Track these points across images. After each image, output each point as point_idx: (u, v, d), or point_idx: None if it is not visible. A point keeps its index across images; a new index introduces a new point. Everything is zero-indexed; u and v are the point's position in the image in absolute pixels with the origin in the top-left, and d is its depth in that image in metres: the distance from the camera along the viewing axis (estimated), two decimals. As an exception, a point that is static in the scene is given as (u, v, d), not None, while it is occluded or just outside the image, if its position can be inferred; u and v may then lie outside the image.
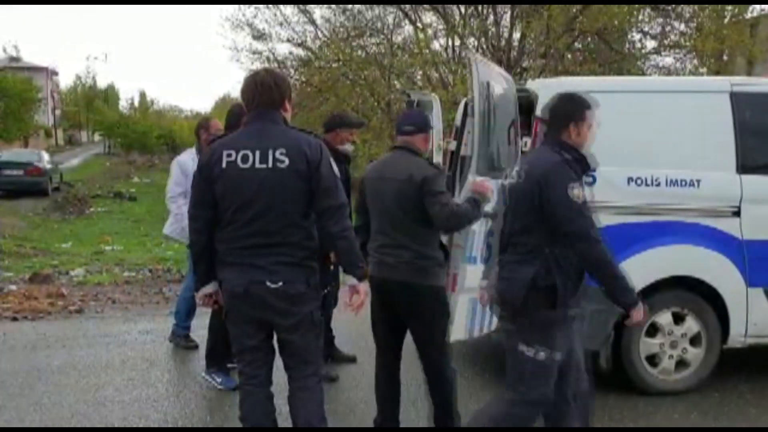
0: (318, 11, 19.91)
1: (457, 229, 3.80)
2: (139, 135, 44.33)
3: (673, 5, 17.85)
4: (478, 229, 3.97)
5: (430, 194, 3.51)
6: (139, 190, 26.76)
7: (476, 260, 4.09)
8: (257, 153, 3.03)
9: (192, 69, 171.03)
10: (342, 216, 3.12)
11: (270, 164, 3.02)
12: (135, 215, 20.38)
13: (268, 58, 20.44)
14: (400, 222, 3.64)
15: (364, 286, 3.19)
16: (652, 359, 4.67)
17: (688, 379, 4.70)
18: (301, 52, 20.80)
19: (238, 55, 21.25)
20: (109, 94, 62.46)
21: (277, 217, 3.05)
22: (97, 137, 59.92)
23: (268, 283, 3.04)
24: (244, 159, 3.04)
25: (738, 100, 4.67)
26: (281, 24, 20.17)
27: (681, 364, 4.70)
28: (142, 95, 59.43)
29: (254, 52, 20.67)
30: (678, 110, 4.66)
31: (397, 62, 19.06)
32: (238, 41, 28.28)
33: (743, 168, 4.63)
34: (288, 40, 20.48)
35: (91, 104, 55.76)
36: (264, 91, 3.12)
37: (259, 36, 20.44)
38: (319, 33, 20.39)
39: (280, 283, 3.05)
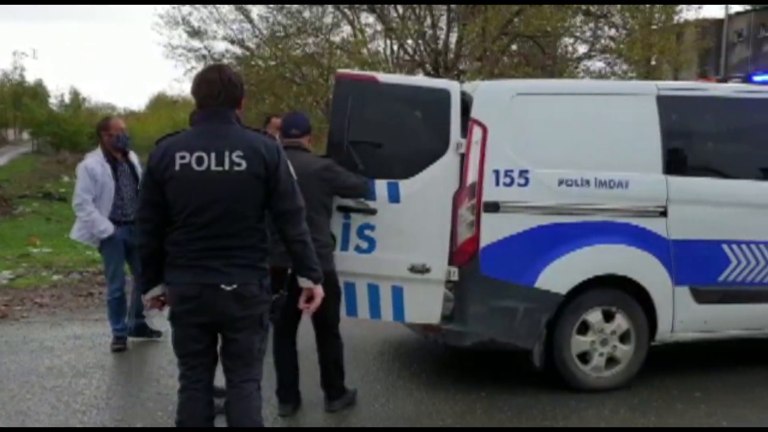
0: (255, 9, 19.67)
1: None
2: (70, 133, 42.91)
3: (605, 11, 18.36)
4: (352, 222, 4.56)
5: (340, 173, 4.24)
6: (70, 190, 25.78)
7: (347, 248, 4.60)
8: (212, 155, 2.96)
9: (126, 67, 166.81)
10: (299, 220, 3.12)
11: (226, 167, 2.96)
12: (65, 216, 19.68)
13: (204, 56, 20.08)
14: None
15: (320, 289, 3.24)
16: (584, 357, 4.76)
17: (618, 375, 4.82)
18: (238, 50, 20.51)
19: (173, 53, 20.73)
20: (38, 91, 60.19)
21: (233, 221, 3.00)
22: (25, 135, 57.70)
23: (223, 286, 2.99)
24: (199, 161, 2.96)
25: (664, 104, 4.81)
26: (218, 21, 19.86)
27: (611, 361, 4.81)
28: (74, 93, 57.54)
29: (190, 50, 20.28)
30: (607, 113, 4.78)
31: (336, 62, 19.01)
32: (173, 39, 27.68)
33: (670, 169, 4.77)
34: (225, 38, 20.18)
35: (19, 101, 53.66)
36: (230, 88, 3.06)
37: (195, 33, 20.05)
38: (256, 31, 20.15)
39: (235, 285, 3.00)
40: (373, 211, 4.52)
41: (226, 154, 2.96)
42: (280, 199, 3.06)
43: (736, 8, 40.84)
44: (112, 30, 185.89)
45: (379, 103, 4.73)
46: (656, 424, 4.33)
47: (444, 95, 4.61)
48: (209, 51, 20.24)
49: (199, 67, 18.32)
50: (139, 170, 5.61)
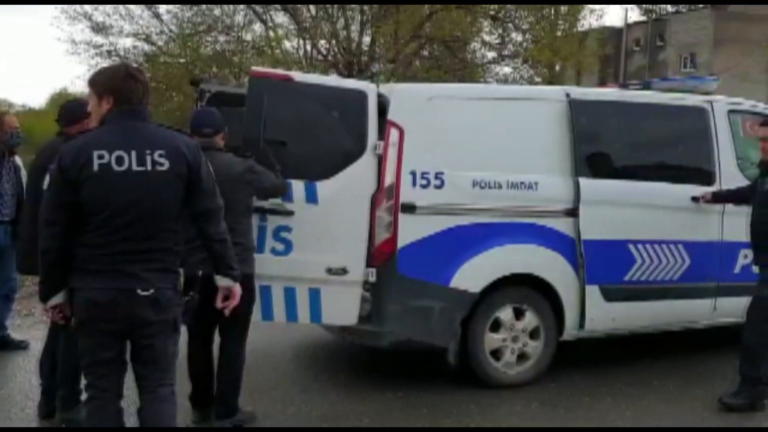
0: (163, 5, 19.15)
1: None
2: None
3: (512, 17, 18.93)
4: (268, 224, 4.48)
5: (261, 174, 4.13)
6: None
7: (263, 250, 4.50)
8: (133, 154, 2.85)
9: (26, 62, 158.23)
10: (219, 219, 3.09)
11: (149, 167, 2.86)
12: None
13: (109, 52, 19.38)
14: (229, 219, 3.72)
15: (239, 288, 3.21)
16: (496, 353, 4.89)
17: (528, 371, 4.97)
18: (145, 46, 19.90)
19: (75, 48, 19.86)
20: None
21: (153, 222, 2.90)
22: None
23: (139, 291, 2.88)
24: (119, 161, 2.84)
25: (574, 108, 5.00)
26: (123, 17, 19.19)
27: (522, 357, 4.96)
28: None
29: (94, 46, 19.51)
30: (520, 117, 4.93)
31: (248, 61, 18.75)
32: (76, 34, 26.56)
33: (580, 171, 4.96)
34: (131, 34, 19.52)
35: None
36: (144, 86, 2.98)
37: (99, 29, 19.31)
38: (164, 27, 19.60)
39: (152, 291, 2.90)
40: (289, 213, 4.47)
41: (148, 153, 2.87)
42: (202, 197, 3.01)
43: (634, 17, 43.04)
44: (10, 23, 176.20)
45: (294, 102, 4.64)
46: (565, 417, 4.50)
47: (361, 96, 4.63)
48: (114, 47, 19.56)
49: (104, 63, 17.64)
50: (23, 172, 5.36)
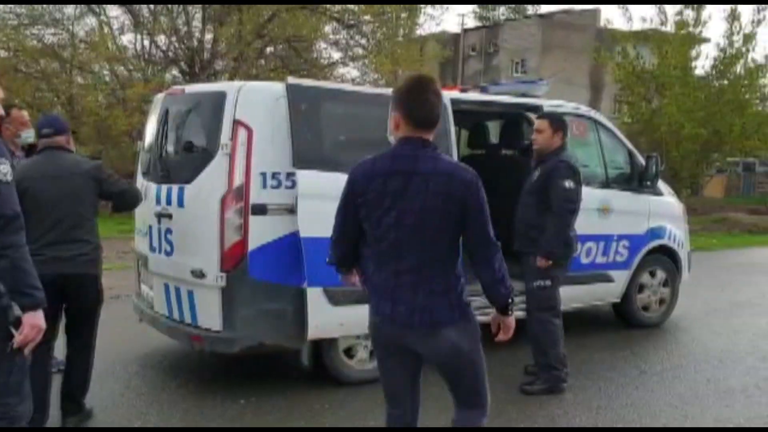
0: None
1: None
2: None
3: (355, 21, 19.18)
4: (156, 225, 4.86)
5: (111, 176, 4.14)
6: None
7: (156, 250, 4.88)
8: None
9: None
10: (5, 228, 2.57)
11: None
12: None
13: None
14: (77, 215, 3.93)
15: (39, 319, 2.63)
16: (349, 351, 4.94)
17: (380, 367, 5.06)
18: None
19: None
20: None
21: None
22: None
23: None
24: None
25: (293, 95, 4.54)
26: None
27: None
28: None
29: None
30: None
31: (80, 55, 17.63)
32: None
33: (299, 163, 4.52)
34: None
35: None
36: None
37: None
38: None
39: None
40: (170, 216, 4.73)
41: None
42: None
43: (469, 24, 45.18)
44: None
45: (182, 111, 4.98)
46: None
47: (220, 97, 4.60)
48: None
49: None
50: None
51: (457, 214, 2.72)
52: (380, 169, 2.77)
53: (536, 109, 5.77)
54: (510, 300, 2.88)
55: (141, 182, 5.41)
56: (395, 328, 2.86)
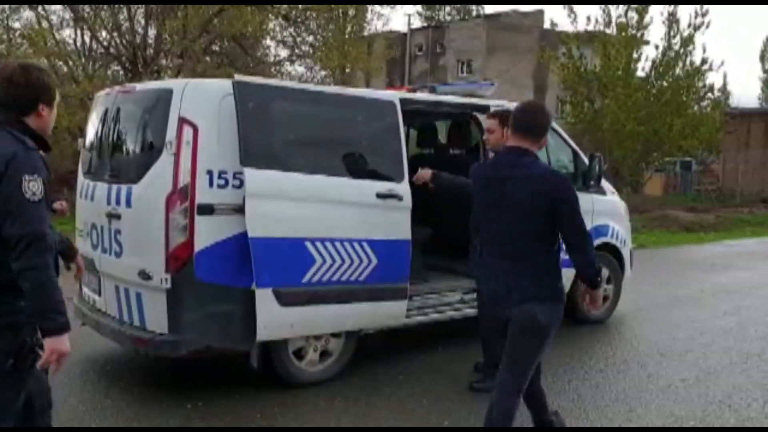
0: None
1: None
2: None
3: (303, 18, 19.05)
4: (107, 226, 4.76)
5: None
6: None
7: (107, 251, 4.79)
8: None
9: None
10: (27, 249, 2.48)
11: None
12: None
13: None
14: None
15: (59, 344, 2.60)
16: (299, 353, 4.89)
17: (331, 367, 5.04)
18: None
19: None
20: None
21: None
22: None
23: None
24: None
25: (240, 93, 4.43)
26: None
27: (324, 354, 5.01)
28: None
29: None
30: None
31: (16, 51, 17.02)
32: None
33: (247, 162, 4.40)
34: None
35: None
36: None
37: None
38: None
39: None
40: (119, 216, 4.66)
41: None
42: (5, 221, 2.53)
43: (416, 24, 45.40)
44: None
45: (132, 110, 4.91)
46: (366, 408, 4.62)
47: (167, 94, 4.51)
48: None
49: None
50: None
51: (546, 209, 3.38)
52: (486, 172, 3.67)
53: (484, 109, 5.80)
54: (598, 278, 3.60)
55: (82, 182, 5.26)
56: (498, 299, 3.54)
